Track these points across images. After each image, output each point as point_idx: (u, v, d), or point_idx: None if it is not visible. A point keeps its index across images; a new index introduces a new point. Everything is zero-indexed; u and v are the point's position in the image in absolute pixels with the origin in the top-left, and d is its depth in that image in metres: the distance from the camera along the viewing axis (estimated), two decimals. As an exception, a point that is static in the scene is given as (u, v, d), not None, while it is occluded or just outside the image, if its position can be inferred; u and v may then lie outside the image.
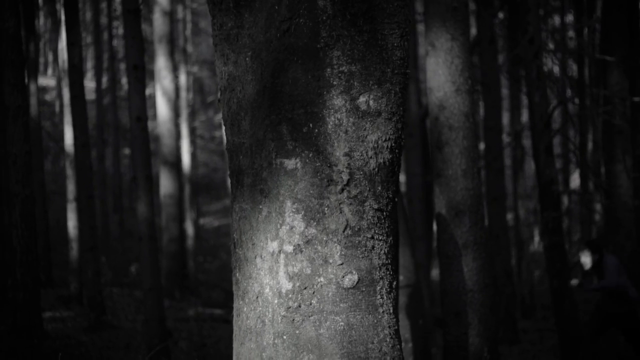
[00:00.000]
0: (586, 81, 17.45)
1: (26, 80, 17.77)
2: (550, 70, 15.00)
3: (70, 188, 18.78)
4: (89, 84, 43.04)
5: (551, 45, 17.86)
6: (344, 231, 4.59)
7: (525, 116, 29.68)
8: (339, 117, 4.56)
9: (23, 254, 11.98)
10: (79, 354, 12.18)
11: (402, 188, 21.45)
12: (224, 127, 4.80)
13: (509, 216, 28.68)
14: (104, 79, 39.40)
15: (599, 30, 15.65)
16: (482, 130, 18.97)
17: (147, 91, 38.65)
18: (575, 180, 28.72)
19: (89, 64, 49.71)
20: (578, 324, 12.69)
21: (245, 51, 4.71)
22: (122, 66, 40.96)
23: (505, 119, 32.84)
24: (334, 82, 4.55)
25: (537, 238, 31.53)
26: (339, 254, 4.58)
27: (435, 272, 24.51)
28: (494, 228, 17.41)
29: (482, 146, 20.20)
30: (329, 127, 4.56)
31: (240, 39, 4.73)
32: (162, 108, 21.68)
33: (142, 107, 12.73)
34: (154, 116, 25.26)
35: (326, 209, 4.57)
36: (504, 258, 17.44)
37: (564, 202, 25.02)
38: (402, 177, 21.95)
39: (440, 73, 8.50)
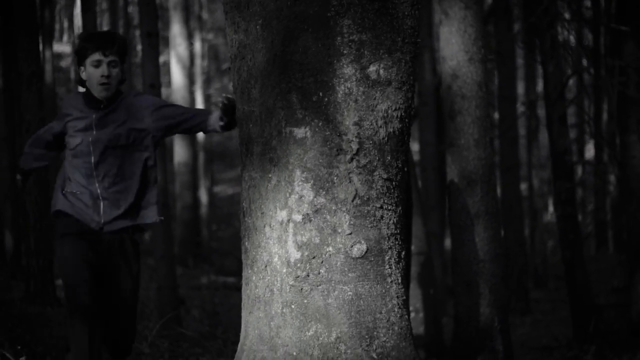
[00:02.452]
0: (602, 51, 17.35)
1: (41, 47, 17.75)
2: (565, 39, 14.91)
3: (85, 154, 18.79)
4: (104, 50, 42.95)
5: (567, 15, 17.76)
6: (352, 200, 4.59)
7: (540, 86, 29.51)
8: (348, 86, 4.55)
9: (36, 220, 12.00)
10: (92, 321, 12.21)
11: (416, 157, 21.41)
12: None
13: (523, 186, 28.60)
14: (119, 46, 39.31)
15: (615, 0, 15.54)
16: (497, 99, 18.90)
17: (162, 58, 38.60)
18: (589, 151, 28.60)
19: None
20: (590, 295, 12.66)
21: (255, 19, 4.70)
22: (137, 33, 40.87)
23: (521, 88, 32.69)
24: (344, 51, 4.54)
25: (551, 208, 31.42)
26: (347, 223, 4.58)
27: (448, 242, 24.49)
28: (508, 198, 17.36)
29: (496, 116, 20.14)
30: (339, 96, 4.55)
31: (251, 7, 4.71)
32: (177, 75, 21.69)
33: (156, 74, 12.68)
34: (169, 83, 25.26)
35: (335, 178, 4.57)
36: (516, 228, 17.40)
37: (578, 173, 24.95)
38: (415, 146, 21.91)
39: (454, 42, 8.46)
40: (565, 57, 14.10)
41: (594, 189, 25.74)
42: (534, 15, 13.16)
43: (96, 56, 5.28)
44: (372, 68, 4.55)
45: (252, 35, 4.73)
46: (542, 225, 28.16)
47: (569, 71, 14.61)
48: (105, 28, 49.14)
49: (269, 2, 4.62)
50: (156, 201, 5.46)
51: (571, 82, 21.62)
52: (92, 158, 5.29)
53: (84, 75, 5.38)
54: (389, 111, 4.60)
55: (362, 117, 4.56)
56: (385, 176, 4.63)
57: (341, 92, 4.55)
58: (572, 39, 15.05)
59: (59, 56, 40.74)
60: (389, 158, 4.63)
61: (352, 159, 4.56)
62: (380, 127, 4.59)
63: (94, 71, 5.30)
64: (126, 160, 5.35)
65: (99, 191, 5.30)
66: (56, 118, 5.61)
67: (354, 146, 4.56)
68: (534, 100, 23.23)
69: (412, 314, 11.05)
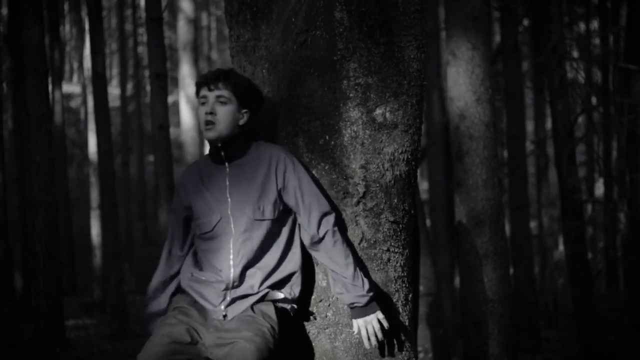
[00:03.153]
0: (611, 89, 17.38)
1: (50, 88, 17.83)
2: (574, 78, 14.95)
3: (94, 196, 18.82)
4: (114, 90, 43.17)
5: (575, 53, 17.81)
6: (359, 243, 4.59)
7: (549, 124, 29.56)
8: (355, 130, 4.55)
9: (46, 261, 12.02)
10: (101, 362, 12.23)
11: (425, 196, 21.43)
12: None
13: (533, 224, 28.55)
14: (129, 86, 39.54)
15: (624, 38, 15.59)
16: (505, 137, 18.92)
17: (172, 98, 38.79)
18: (599, 188, 28.58)
19: (114, 71, 49.90)
20: (601, 333, 12.61)
21: (262, 63, 4.72)
22: (147, 73, 41.01)
23: (530, 126, 32.72)
24: (351, 94, 4.55)
25: (561, 246, 31.37)
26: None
27: (458, 281, 24.43)
28: (517, 236, 17.33)
29: (505, 154, 20.14)
30: (345, 139, 4.56)
31: (257, 51, 4.73)
32: (186, 116, 21.77)
33: (165, 115, 12.73)
34: (179, 123, 25.35)
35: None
36: (526, 266, 17.35)
37: (588, 211, 24.93)
38: (424, 185, 21.92)
39: (461, 82, 8.47)
40: (574, 96, 14.12)
41: (604, 227, 25.66)
42: (543, 54, 13.20)
43: (203, 91, 4.48)
44: (378, 111, 4.56)
45: (259, 79, 4.75)
46: (553, 263, 28.04)
47: (578, 110, 14.63)
48: (115, 69, 49.41)
49: (275, 46, 4.65)
50: None
51: (580, 120, 21.64)
52: None
53: None
54: (396, 154, 4.61)
55: (369, 160, 4.56)
56: (392, 219, 4.63)
57: (347, 135, 4.56)
58: (580, 77, 15.06)
59: (68, 97, 40.91)
60: (395, 201, 4.64)
61: (358, 202, 4.57)
62: (387, 170, 4.59)
63: (200, 111, 4.52)
64: None
65: None
66: None
67: (361, 189, 4.56)
68: (543, 139, 23.25)
69: (422, 355, 11.03)
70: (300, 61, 4.59)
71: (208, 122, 4.43)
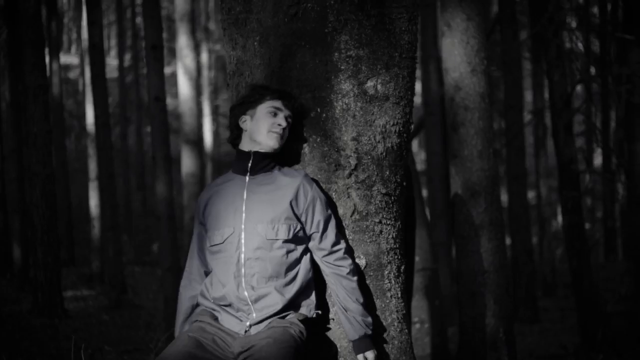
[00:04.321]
0: (609, 58, 17.33)
1: (48, 59, 17.79)
2: (572, 47, 14.89)
3: (92, 167, 18.81)
4: (112, 61, 43.09)
5: (574, 23, 17.73)
6: (351, 216, 4.60)
7: (548, 94, 29.50)
8: (346, 102, 4.56)
9: (44, 233, 12.07)
10: (99, 333, 12.25)
11: (422, 166, 21.39)
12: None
13: (531, 194, 28.57)
14: (127, 57, 39.46)
15: (622, 8, 15.52)
16: (503, 108, 18.89)
17: (169, 69, 38.69)
18: (598, 158, 28.56)
19: (112, 42, 49.81)
20: (598, 303, 12.65)
21: (253, 36, 4.71)
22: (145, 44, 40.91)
23: (529, 96, 32.66)
24: (342, 67, 4.55)
25: (560, 216, 31.40)
26: (346, 238, 4.59)
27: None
28: (515, 207, 17.34)
29: (503, 125, 20.12)
30: (337, 111, 4.56)
31: (249, 24, 4.72)
32: (184, 87, 21.66)
33: (161, 87, 12.73)
34: (177, 94, 25.32)
35: (334, 193, 4.58)
36: (524, 237, 17.37)
37: (587, 181, 24.95)
38: (422, 156, 21.89)
39: (456, 53, 8.44)
40: (571, 66, 14.08)
41: (602, 197, 25.68)
42: (539, 24, 13.15)
43: (276, 103, 4.53)
44: (369, 83, 4.56)
45: (250, 52, 4.74)
46: (551, 233, 28.11)
47: (576, 80, 14.58)
48: (113, 40, 49.27)
49: (267, 18, 4.63)
50: None
51: (579, 89, 21.59)
52: None
53: (245, 125, 4.62)
54: (387, 126, 4.61)
55: (360, 132, 4.56)
56: (383, 191, 4.63)
57: (339, 107, 4.56)
58: (578, 47, 15.01)
59: (67, 68, 40.79)
60: (387, 173, 4.64)
61: (350, 174, 4.57)
62: (379, 142, 4.59)
63: (268, 118, 4.54)
64: None
65: None
66: None
67: (352, 162, 4.56)
68: (541, 109, 23.21)
69: (418, 325, 11.05)
70: (291, 34, 4.59)
71: (278, 131, 4.50)
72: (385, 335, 4.65)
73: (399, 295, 4.74)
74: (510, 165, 17.52)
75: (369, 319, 4.46)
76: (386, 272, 4.69)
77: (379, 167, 4.61)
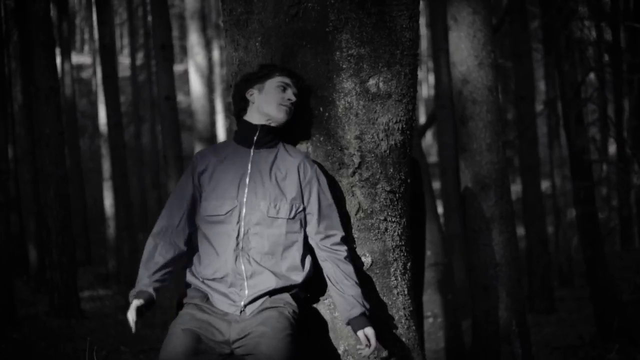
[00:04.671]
0: (620, 48, 17.27)
1: (59, 60, 17.82)
2: (582, 36, 14.84)
3: (106, 167, 18.87)
4: (125, 60, 43.18)
5: (585, 12, 17.68)
6: (356, 214, 4.61)
7: (560, 83, 29.39)
8: (349, 101, 4.57)
9: (58, 234, 12.11)
10: (116, 333, 12.28)
11: (434, 159, 21.35)
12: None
13: (546, 184, 28.50)
14: (139, 56, 39.51)
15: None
16: (514, 99, 18.86)
17: (182, 67, 38.73)
18: (613, 147, 28.46)
19: (125, 41, 49.89)
20: (614, 292, 12.59)
21: (255, 36, 4.72)
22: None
23: (542, 86, 32.56)
24: (344, 66, 4.56)
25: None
26: (351, 236, 4.60)
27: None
28: (529, 197, 17.32)
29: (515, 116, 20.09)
30: (339, 110, 4.57)
31: (250, 25, 4.73)
32: (196, 84, 21.70)
33: (171, 86, 12.76)
34: (189, 92, 25.34)
35: (338, 192, 4.58)
36: (539, 227, 17.35)
37: (603, 170, 24.84)
38: (434, 148, 21.85)
39: (463, 47, 8.43)
40: (581, 56, 14.03)
41: (617, 186, 25.61)
42: (548, 15, 13.11)
43: (285, 79, 4.55)
44: (371, 82, 4.57)
45: (252, 53, 4.75)
46: (566, 223, 28.03)
47: (587, 67, 14.53)
48: (125, 39, 49.34)
49: (268, 19, 4.65)
50: None
51: (593, 78, 21.53)
52: None
53: (253, 98, 4.61)
54: (390, 124, 4.61)
55: (363, 130, 4.57)
56: (388, 188, 4.64)
57: (341, 106, 4.57)
58: (589, 36, 14.97)
59: (79, 67, 40.86)
60: (391, 170, 4.65)
61: (354, 172, 4.58)
62: (382, 140, 4.60)
63: (278, 92, 4.55)
64: None
65: None
66: None
67: (356, 160, 4.57)
68: (553, 99, 23.15)
69: (431, 319, 11.07)
70: (292, 34, 4.60)
71: (288, 105, 4.51)
72: (393, 332, 4.66)
73: (406, 292, 4.75)
74: (523, 155, 17.50)
75: (368, 304, 4.41)
76: (392, 270, 4.69)
77: (382, 164, 4.62)
